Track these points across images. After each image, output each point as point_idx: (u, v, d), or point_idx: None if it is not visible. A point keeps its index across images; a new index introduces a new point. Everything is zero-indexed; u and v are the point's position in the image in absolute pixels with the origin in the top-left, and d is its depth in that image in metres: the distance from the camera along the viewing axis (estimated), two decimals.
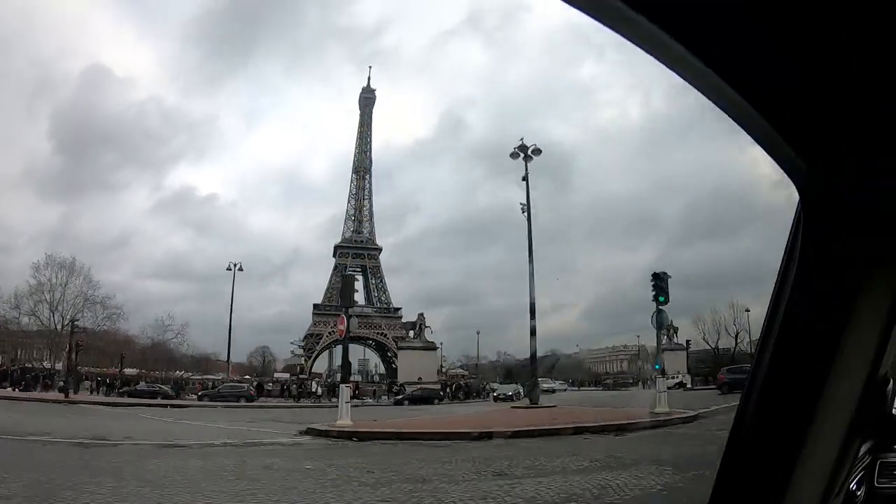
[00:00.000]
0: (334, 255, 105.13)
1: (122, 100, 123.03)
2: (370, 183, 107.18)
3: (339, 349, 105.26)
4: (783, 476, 1.15)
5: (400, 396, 47.49)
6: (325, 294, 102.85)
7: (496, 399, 44.47)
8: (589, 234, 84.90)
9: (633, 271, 77.17)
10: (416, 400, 42.77)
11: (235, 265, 52.91)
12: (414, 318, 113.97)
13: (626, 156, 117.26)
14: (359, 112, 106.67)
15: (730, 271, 51.06)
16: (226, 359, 78.78)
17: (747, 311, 51.56)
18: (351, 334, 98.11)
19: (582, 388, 57.72)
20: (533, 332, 35.53)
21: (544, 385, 41.47)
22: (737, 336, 63.37)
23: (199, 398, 38.65)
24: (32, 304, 45.92)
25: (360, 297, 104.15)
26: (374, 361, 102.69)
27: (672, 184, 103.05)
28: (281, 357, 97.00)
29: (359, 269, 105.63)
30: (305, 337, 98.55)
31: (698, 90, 0.96)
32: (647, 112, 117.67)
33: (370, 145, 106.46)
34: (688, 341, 58.57)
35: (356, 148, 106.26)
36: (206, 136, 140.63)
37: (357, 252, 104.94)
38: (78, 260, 47.44)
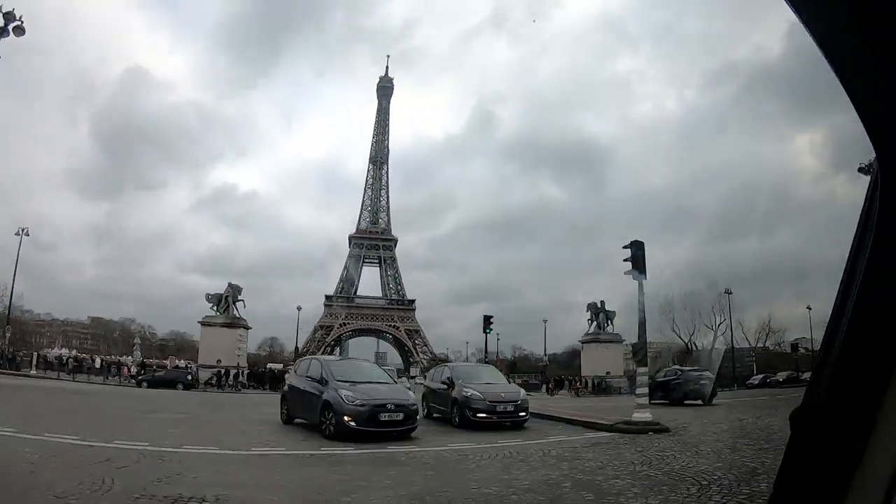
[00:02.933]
0: (349, 246, 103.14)
1: (162, 101, 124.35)
2: (387, 173, 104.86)
3: (351, 342, 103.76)
4: (847, 473, 1.11)
5: None
6: (337, 285, 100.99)
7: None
8: (625, 229, 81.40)
9: (669, 267, 72.97)
10: None
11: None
12: (439, 313, 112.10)
13: (662, 149, 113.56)
14: (376, 101, 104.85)
15: (773, 268, 46.51)
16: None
17: (808, 308, 47.39)
18: (363, 326, 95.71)
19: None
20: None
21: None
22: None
23: (138, 383, 36.05)
24: None
25: (374, 289, 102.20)
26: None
27: (708, 177, 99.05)
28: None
29: (375, 261, 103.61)
30: (315, 329, 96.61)
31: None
32: (683, 104, 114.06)
33: (388, 135, 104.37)
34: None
35: (373, 137, 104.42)
36: (244, 136, 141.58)
37: (372, 243, 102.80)
38: None
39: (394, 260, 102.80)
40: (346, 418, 10.44)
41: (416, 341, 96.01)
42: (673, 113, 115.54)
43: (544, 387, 46.73)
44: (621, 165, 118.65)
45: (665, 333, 56.04)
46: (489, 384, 14.28)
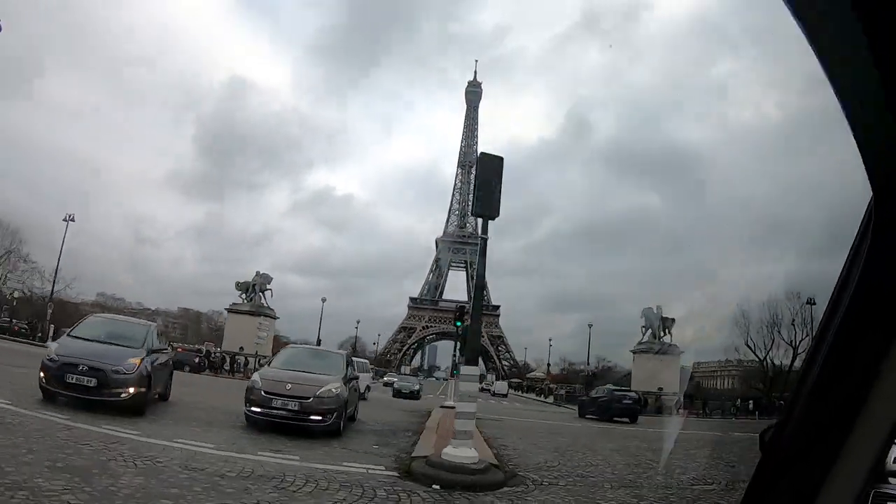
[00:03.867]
0: (436, 249, 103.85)
1: (263, 108, 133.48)
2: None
3: (434, 345, 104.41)
4: (818, 480, 1.15)
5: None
6: (422, 288, 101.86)
7: None
8: (722, 240, 75.27)
9: (769, 280, 65.80)
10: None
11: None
12: (531, 320, 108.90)
13: (761, 156, 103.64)
14: (465, 106, 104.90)
15: None
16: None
17: None
18: (446, 330, 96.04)
19: None
20: None
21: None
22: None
23: None
24: None
25: (460, 294, 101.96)
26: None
27: (809, 186, 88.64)
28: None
29: (461, 265, 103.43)
30: (399, 330, 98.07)
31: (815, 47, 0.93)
32: (784, 109, 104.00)
33: (476, 139, 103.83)
34: None
35: (462, 142, 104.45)
36: (341, 141, 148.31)
37: (458, 246, 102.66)
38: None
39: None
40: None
41: (499, 347, 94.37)
42: (773, 118, 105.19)
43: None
44: (719, 173, 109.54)
45: (740, 350, 50.01)
46: (301, 373, 10.41)
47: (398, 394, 30.67)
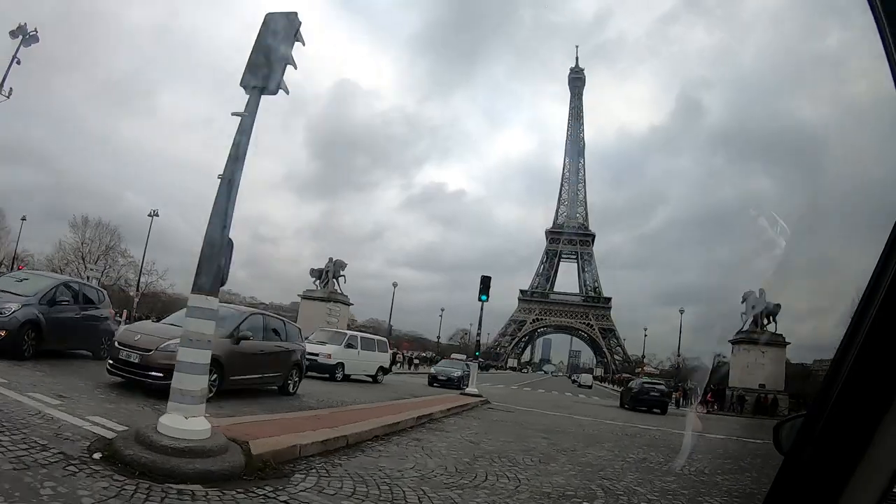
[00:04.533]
0: (546, 241, 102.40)
1: (369, 109, 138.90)
2: (584, 167, 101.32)
3: (545, 339, 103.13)
4: (838, 489, 1.13)
5: None
6: (533, 280, 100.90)
7: None
8: (844, 228, 65.54)
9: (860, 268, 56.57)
10: None
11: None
12: (644, 313, 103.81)
13: (880, 134, 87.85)
14: (569, 94, 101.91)
15: None
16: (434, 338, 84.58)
17: None
18: (557, 323, 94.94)
19: None
20: None
21: None
22: None
23: None
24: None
25: (570, 285, 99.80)
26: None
27: None
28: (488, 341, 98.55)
29: (572, 257, 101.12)
30: (508, 323, 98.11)
31: None
32: None
33: (582, 127, 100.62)
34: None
35: (568, 131, 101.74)
36: (449, 136, 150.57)
37: (568, 238, 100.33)
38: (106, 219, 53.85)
39: (591, 256, 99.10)
40: None
41: (611, 341, 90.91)
42: (892, 91, 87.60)
43: (673, 396, 38.04)
44: (834, 153, 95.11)
45: None
46: (173, 326, 8.94)
47: (433, 381, 24.23)
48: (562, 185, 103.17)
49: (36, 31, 25.22)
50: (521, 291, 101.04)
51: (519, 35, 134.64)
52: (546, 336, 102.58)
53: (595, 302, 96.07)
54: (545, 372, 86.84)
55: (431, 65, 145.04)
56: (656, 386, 26.22)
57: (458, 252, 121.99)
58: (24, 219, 47.32)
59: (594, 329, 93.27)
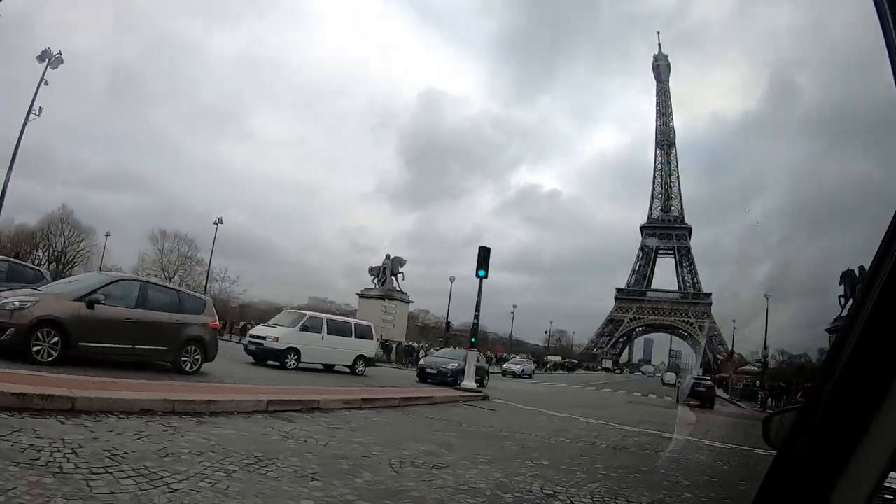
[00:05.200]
0: (641, 236, 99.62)
1: (458, 116, 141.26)
2: (676, 157, 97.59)
3: (643, 339, 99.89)
4: (829, 483, 1.11)
5: None
6: (629, 278, 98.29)
7: None
8: None
9: None
10: None
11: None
12: (748, 310, 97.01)
13: None
14: (654, 82, 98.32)
15: None
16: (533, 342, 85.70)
17: None
18: (655, 321, 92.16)
19: None
20: None
21: None
22: None
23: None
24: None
25: (668, 282, 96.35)
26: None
27: None
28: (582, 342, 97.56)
29: (669, 252, 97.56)
30: (605, 323, 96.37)
31: None
32: None
33: (671, 116, 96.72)
34: None
35: (657, 121, 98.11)
36: (539, 138, 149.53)
37: (664, 232, 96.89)
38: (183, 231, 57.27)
39: (688, 251, 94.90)
40: None
41: (713, 339, 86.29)
42: None
43: (759, 397, 36.61)
44: None
45: None
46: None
47: (422, 375, 19.96)
48: (654, 177, 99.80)
49: (60, 53, 27.70)
50: (618, 290, 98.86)
51: (598, 30, 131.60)
52: (647, 336, 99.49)
53: (694, 298, 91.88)
54: (643, 373, 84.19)
55: (515, 67, 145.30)
56: (703, 381, 28.18)
57: (554, 253, 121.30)
58: (108, 234, 54.72)
59: (694, 326, 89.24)
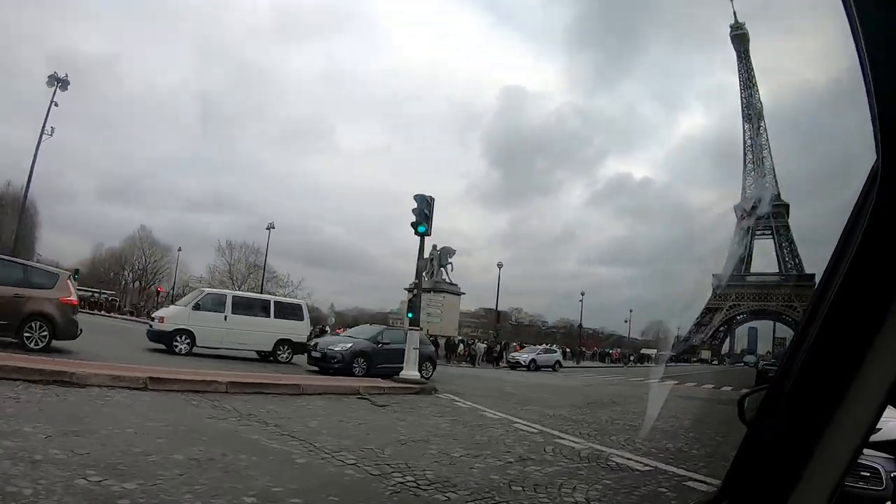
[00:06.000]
0: (736, 217, 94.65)
1: (540, 111, 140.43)
2: (765, 130, 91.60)
3: (742, 328, 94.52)
4: (801, 460, 1.12)
5: None
6: (726, 263, 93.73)
7: None
8: None
9: None
10: None
11: None
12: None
13: None
14: (734, 54, 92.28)
15: None
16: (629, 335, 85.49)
17: None
18: (755, 307, 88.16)
19: None
20: None
21: None
22: None
23: None
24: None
25: (768, 265, 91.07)
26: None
27: None
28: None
29: (767, 232, 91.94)
30: (703, 312, 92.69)
31: None
32: None
33: (755, 87, 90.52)
34: None
35: (741, 93, 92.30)
36: (626, 126, 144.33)
37: (760, 211, 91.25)
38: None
39: (787, 229, 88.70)
40: None
41: None
42: None
43: None
44: None
45: None
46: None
47: (311, 360, 16.16)
48: (745, 154, 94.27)
49: (66, 76, 30.78)
50: (714, 276, 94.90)
51: (671, 8, 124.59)
52: (750, 324, 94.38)
53: (796, 281, 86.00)
54: (745, 363, 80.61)
55: (591, 56, 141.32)
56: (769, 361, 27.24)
57: (650, 244, 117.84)
58: (179, 250, 59.69)
59: (798, 311, 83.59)
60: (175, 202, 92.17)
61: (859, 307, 1.07)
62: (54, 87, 30.52)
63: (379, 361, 15.29)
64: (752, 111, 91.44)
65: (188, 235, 71.55)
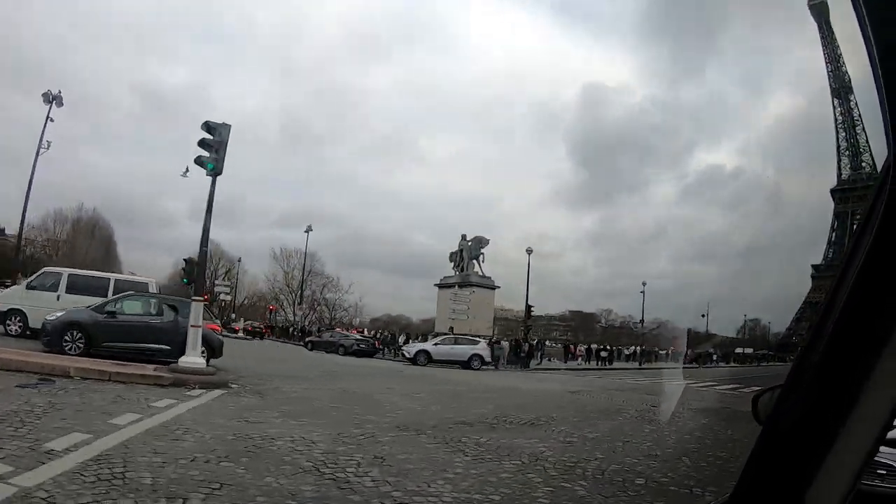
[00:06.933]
0: (833, 202, 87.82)
1: (622, 106, 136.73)
2: (857, 105, 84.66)
3: None
4: (817, 459, 1.12)
5: None
6: (825, 251, 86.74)
7: None
8: None
9: None
10: None
11: None
12: None
13: None
14: (815, 27, 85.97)
15: None
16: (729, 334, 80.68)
17: None
18: None
19: None
20: None
21: None
22: None
23: (305, 344, 34.63)
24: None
25: None
26: None
27: None
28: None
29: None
30: (802, 307, 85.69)
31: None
32: None
33: (841, 59, 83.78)
34: None
35: (827, 67, 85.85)
36: (712, 115, 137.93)
37: (859, 193, 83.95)
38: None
39: None
40: None
41: None
42: None
43: None
44: None
45: None
46: None
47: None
48: (837, 133, 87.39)
49: (60, 92, 30.80)
50: (814, 267, 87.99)
51: None
52: None
53: None
54: None
55: (669, 44, 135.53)
56: None
57: (745, 237, 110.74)
58: (239, 260, 61.85)
59: None
60: (264, 221, 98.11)
61: (875, 303, 1.06)
62: (49, 105, 31.15)
63: (107, 339, 11.84)
64: (839, 84, 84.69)
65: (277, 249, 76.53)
